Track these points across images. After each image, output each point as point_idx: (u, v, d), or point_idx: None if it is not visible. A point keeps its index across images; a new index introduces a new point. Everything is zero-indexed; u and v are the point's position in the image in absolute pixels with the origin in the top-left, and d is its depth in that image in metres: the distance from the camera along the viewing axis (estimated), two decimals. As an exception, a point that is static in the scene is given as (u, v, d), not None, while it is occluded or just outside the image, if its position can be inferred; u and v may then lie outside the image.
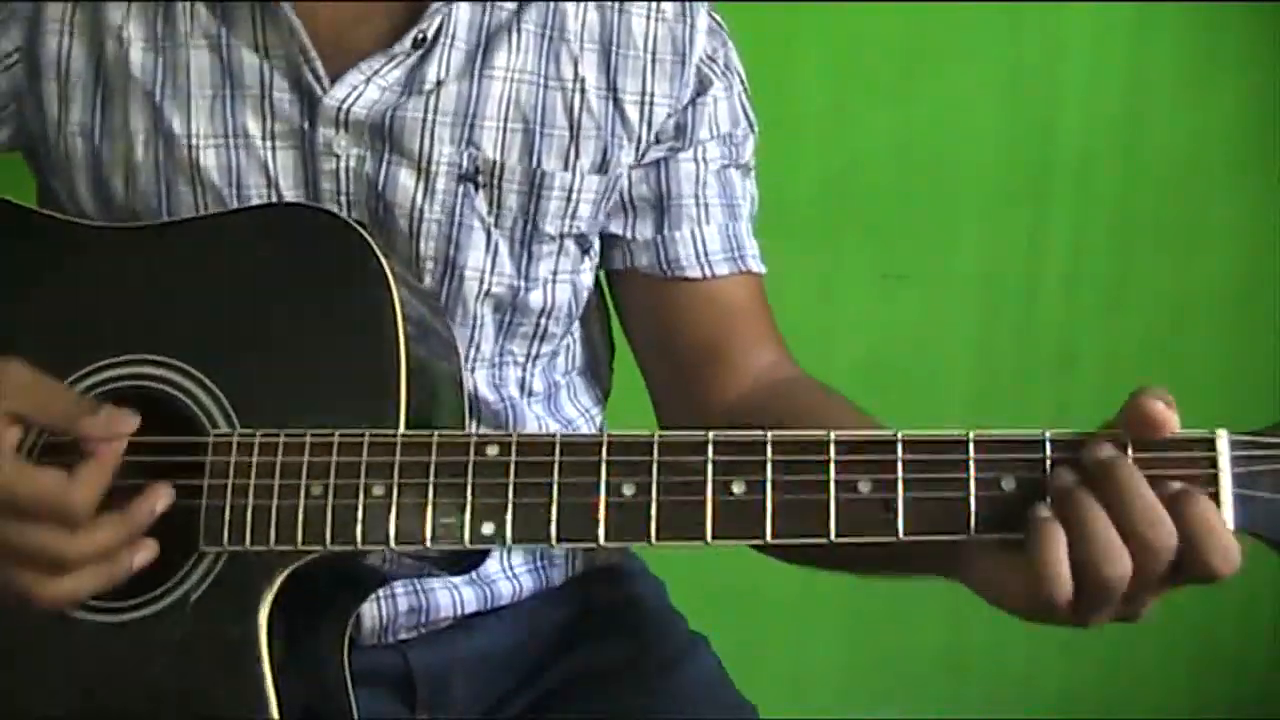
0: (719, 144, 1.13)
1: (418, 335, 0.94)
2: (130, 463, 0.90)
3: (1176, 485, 0.78)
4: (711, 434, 0.83)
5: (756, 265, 1.15)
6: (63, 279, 1.00)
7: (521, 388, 1.15)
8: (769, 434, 0.82)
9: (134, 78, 1.06)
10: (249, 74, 1.05)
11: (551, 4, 1.09)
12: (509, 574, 1.17)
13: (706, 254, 1.13)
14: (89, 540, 0.87)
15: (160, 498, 0.89)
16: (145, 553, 0.89)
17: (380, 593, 1.10)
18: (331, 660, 0.97)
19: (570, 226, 1.10)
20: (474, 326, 1.09)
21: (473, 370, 1.11)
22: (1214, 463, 0.79)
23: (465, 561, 1.00)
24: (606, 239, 1.14)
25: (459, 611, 1.14)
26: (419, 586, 1.12)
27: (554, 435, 0.85)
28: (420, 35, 1.04)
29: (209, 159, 1.05)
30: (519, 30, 1.08)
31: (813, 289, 1.97)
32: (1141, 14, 1.98)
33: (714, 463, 0.82)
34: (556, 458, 0.85)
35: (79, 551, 0.86)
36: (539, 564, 1.18)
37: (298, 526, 0.88)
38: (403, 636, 1.14)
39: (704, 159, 1.13)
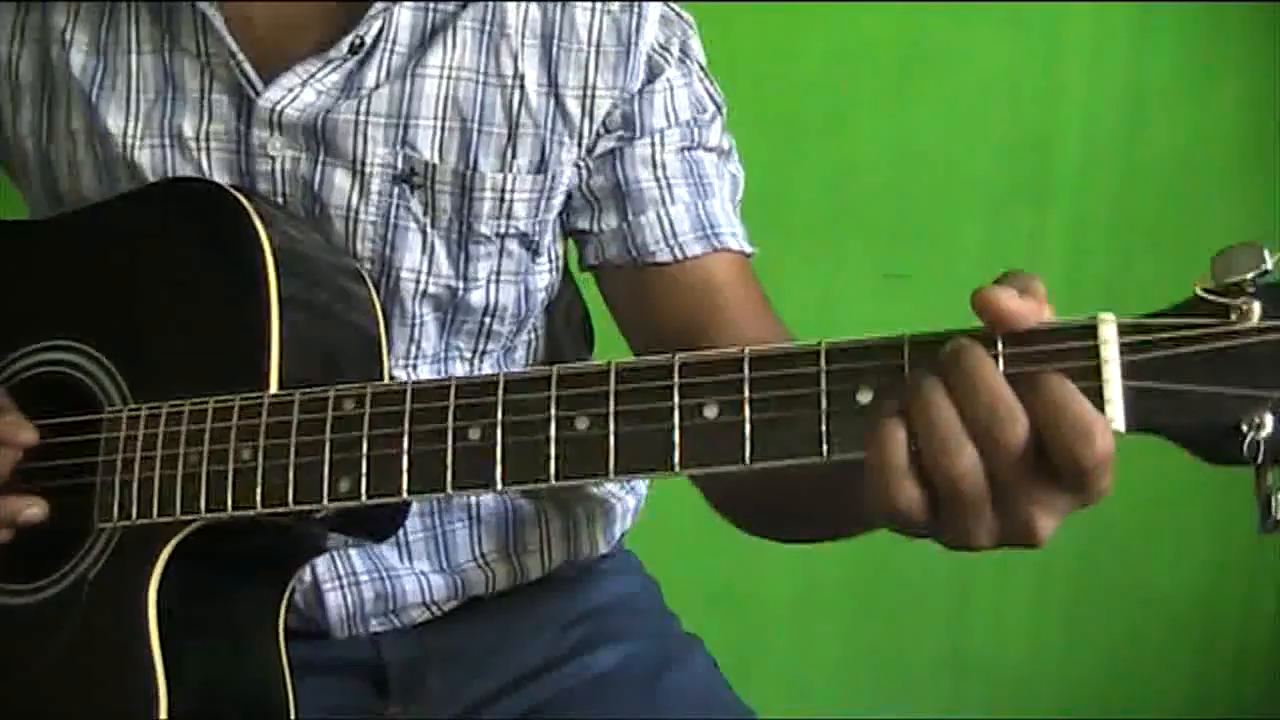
0: (678, 129, 1.09)
1: (301, 296, 0.94)
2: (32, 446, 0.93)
3: (1030, 370, 0.69)
4: (556, 369, 0.79)
5: (736, 244, 1.09)
6: None
7: None
8: (612, 364, 0.78)
9: (73, 79, 1.08)
10: (189, 78, 1.06)
11: (493, 2, 1.07)
12: (479, 562, 1.15)
13: (675, 235, 1.08)
14: None
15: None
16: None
17: (344, 580, 1.10)
18: (258, 645, 0.97)
19: (507, 227, 1.08)
20: (414, 325, 1.09)
21: (415, 367, 1.10)
22: (1096, 352, 0.69)
23: (371, 525, 1.00)
24: (577, 236, 1.12)
25: (427, 599, 1.14)
26: (384, 573, 1.12)
27: (405, 384, 0.83)
28: (358, 40, 1.04)
29: (144, 158, 1.06)
30: (455, 28, 1.06)
31: (814, 289, 1.98)
32: (1141, 15, 1.98)
33: (556, 399, 0.78)
34: (408, 406, 0.82)
35: None
36: (512, 552, 1.17)
37: (176, 496, 0.88)
38: (375, 628, 1.13)
39: (660, 144, 1.09)
